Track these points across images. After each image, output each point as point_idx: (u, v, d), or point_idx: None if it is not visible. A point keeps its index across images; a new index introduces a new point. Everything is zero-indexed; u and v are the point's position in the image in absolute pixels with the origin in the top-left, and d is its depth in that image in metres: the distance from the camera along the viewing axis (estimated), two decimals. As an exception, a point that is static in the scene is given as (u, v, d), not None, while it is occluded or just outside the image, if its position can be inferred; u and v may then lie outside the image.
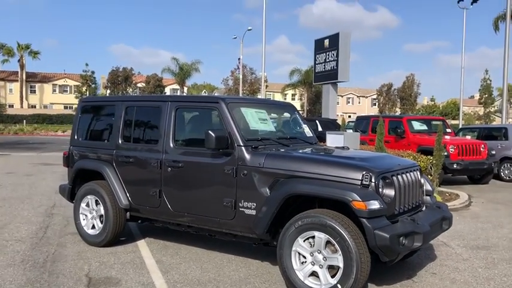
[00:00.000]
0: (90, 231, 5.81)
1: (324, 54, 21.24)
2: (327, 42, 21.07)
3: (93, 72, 56.71)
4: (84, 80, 55.48)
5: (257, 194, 4.51)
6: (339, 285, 3.90)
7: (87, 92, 54.93)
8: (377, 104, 65.61)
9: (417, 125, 13.33)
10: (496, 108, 77.66)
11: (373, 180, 3.99)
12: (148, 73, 60.89)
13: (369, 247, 3.87)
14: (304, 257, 4.14)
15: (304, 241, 4.12)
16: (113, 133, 5.71)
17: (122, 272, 4.82)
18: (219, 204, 4.74)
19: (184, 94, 50.41)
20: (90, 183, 5.81)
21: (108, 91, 56.37)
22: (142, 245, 5.83)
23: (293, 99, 67.68)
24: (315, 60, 21.77)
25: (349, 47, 20.44)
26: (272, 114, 5.58)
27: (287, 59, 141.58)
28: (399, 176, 4.33)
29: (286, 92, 64.12)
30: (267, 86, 70.76)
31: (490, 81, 72.01)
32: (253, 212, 4.53)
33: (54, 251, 5.52)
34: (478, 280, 4.75)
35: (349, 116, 55.75)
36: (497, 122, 56.03)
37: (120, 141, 5.62)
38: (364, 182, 3.99)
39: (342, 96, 66.30)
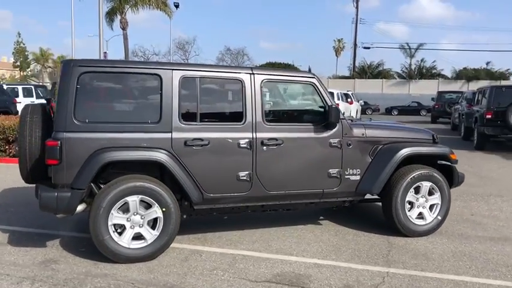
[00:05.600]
0: (134, 244, 4.28)
1: None
2: None
3: None
4: None
5: (362, 160, 5.12)
6: (439, 217, 5.32)
7: None
8: None
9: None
10: (31, 72, 77.89)
11: (437, 139, 5.58)
12: None
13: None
14: (410, 204, 5.23)
15: (412, 190, 5.21)
16: (164, 111, 4.34)
17: (267, 267, 4.26)
18: (325, 175, 4.95)
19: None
20: (128, 179, 4.23)
21: None
22: (188, 244, 4.81)
23: None
24: None
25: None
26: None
27: None
28: None
29: None
30: None
31: (24, 44, 71.64)
32: (358, 178, 5.10)
33: (117, 274, 3.89)
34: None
35: None
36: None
37: (179, 122, 4.39)
38: (436, 140, 5.51)
39: None
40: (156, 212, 4.32)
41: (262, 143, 4.65)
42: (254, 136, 4.63)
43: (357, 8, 44.46)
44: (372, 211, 6.33)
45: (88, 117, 4.21)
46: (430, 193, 5.30)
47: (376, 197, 5.41)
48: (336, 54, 63.90)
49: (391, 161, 5.09)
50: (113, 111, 4.39)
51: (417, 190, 5.23)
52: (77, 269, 4.14)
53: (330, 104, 4.88)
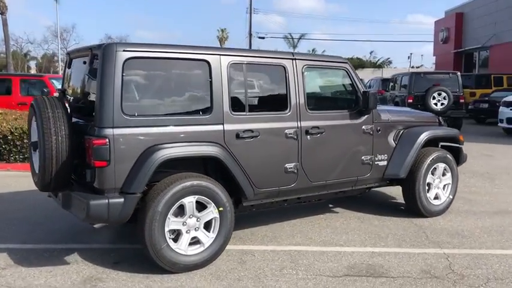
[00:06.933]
0: (191, 250, 3.83)
1: None
2: None
3: None
4: None
5: (388, 145, 5.15)
6: (450, 196, 5.56)
7: None
8: None
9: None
10: None
11: (443, 121, 5.82)
12: None
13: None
14: (428, 185, 5.38)
15: (430, 172, 5.36)
16: (215, 101, 3.90)
17: (331, 260, 4.10)
18: (359, 163, 4.89)
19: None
20: (180, 178, 3.74)
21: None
22: (228, 245, 4.37)
23: None
24: None
25: None
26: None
27: None
28: None
29: None
30: None
31: None
32: (385, 163, 5.13)
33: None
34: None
35: None
36: None
37: (229, 112, 3.99)
38: (442, 123, 5.74)
39: None
40: (213, 212, 3.91)
41: (307, 132, 4.44)
42: (299, 125, 4.40)
43: (251, -4, 44.70)
44: (368, 194, 6.42)
45: (137, 110, 3.65)
46: (443, 174, 5.52)
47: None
48: (220, 44, 63.25)
49: (415, 144, 5.18)
50: (162, 102, 3.84)
51: (433, 172, 5.41)
52: (133, 286, 3.59)
53: (364, 89, 4.81)
